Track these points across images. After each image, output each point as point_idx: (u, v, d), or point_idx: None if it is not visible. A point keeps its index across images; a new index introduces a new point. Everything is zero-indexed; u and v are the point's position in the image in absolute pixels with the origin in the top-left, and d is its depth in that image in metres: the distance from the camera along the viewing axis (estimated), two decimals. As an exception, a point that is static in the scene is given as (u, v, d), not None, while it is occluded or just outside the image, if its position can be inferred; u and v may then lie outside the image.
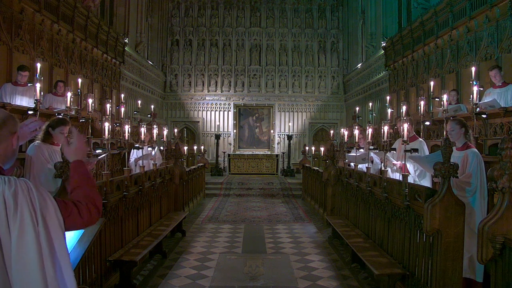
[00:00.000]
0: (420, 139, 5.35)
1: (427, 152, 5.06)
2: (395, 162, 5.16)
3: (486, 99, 5.71)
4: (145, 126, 6.71)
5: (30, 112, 5.51)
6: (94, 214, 1.62)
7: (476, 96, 5.25)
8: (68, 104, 5.92)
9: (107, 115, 6.71)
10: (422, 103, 6.20)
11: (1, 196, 1.46)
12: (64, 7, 8.43)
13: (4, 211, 1.45)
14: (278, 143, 17.47)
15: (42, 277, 1.44)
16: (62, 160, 3.22)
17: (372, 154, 5.81)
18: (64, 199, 1.61)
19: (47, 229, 1.48)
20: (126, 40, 12.07)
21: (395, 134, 7.54)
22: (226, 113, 17.59)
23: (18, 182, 1.50)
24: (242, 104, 17.59)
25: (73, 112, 6.31)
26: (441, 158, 3.17)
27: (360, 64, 15.53)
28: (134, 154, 6.86)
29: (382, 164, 5.08)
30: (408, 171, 4.72)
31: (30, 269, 1.44)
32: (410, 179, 4.62)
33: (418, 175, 4.85)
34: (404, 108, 5.54)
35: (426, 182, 4.79)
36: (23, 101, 6.17)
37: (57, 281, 1.47)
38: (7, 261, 1.44)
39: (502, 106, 5.37)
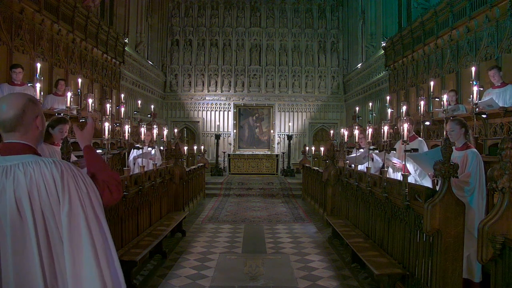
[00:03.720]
0: (420, 138, 5.34)
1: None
2: (395, 161, 5.15)
3: (485, 99, 5.71)
4: (145, 126, 6.71)
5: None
6: (120, 189, 1.76)
7: (476, 96, 5.24)
8: (68, 104, 5.93)
9: (107, 115, 6.71)
10: (422, 103, 6.20)
11: (50, 176, 1.52)
12: (64, 7, 8.43)
13: (55, 189, 1.52)
14: (278, 143, 17.46)
15: (94, 253, 1.53)
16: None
17: (372, 154, 5.80)
18: (94, 179, 1.70)
19: (93, 207, 1.57)
20: (126, 40, 12.07)
21: (395, 134, 7.54)
22: (226, 113, 17.59)
23: (62, 163, 1.57)
24: (242, 104, 17.59)
25: (74, 112, 6.30)
26: (438, 156, 3.17)
27: (360, 64, 15.52)
28: (134, 152, 6.86)
29: (382, 164, 5.08)
30: (408, 171, 4.72)
31: (82, 243, 1.51)
32: (411, 179, 4.62)
33: (418, 174, 4.84)
34: (404, 108, 5.54)
35: (427, 182, 4.79)
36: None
37: (107, 255, 1.57)
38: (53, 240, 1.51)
39: (501, 106, 5.37)
